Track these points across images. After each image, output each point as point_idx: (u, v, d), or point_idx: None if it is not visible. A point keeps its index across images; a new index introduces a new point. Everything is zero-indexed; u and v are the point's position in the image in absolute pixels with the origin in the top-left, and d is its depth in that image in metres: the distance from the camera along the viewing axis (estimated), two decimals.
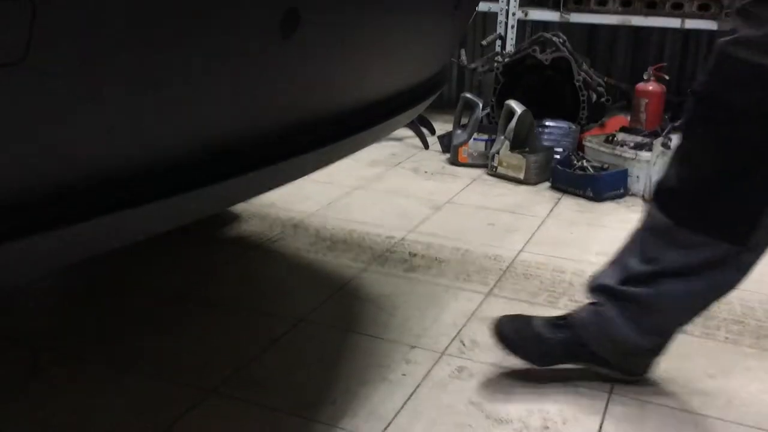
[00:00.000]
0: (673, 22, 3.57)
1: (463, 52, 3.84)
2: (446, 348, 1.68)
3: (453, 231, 2.42)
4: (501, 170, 3.05)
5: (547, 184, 2.97)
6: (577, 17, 3.74)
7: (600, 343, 1.49)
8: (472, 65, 3.76)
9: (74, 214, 0.70)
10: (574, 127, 3.21)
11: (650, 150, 2.85)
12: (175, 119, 0.79)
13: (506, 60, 3.50)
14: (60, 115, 0.65)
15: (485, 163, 3.15)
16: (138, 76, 0.70)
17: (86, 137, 0.69)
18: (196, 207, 0.92)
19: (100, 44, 0.64)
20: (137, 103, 0.72)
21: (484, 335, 1.73)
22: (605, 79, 3.59)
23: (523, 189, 2.93)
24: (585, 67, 3.42)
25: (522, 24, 4.01)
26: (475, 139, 3.21)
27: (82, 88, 0.65)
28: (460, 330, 1.76)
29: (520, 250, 2.28)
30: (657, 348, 1.50)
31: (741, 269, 1.37)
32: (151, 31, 0.68)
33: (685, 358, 1.67)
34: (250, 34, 0.80)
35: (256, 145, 0.96)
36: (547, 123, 3.20)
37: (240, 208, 2.58)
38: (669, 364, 1.64)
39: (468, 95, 3.27)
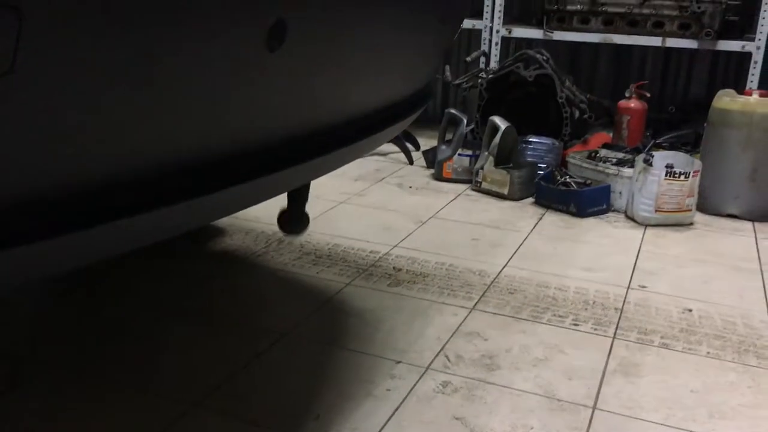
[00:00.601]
0: (654, 41, 3.63)
1: (447, 68, 3.86)
2: (431, 363, 1.67)
3: (437, 246, 2.43)
4: (485, 186, 3.06)
5: (531, 199, 2.99)
6: (560, 35, 3.78)
7: None
8: (457, 81, 3.78)
9: (60, 224, 0.69)
10: (557, 143, 3.24)
11: (632, 166, 2.88)
12: (156, 132, 0.78)
13: (490, 76, 3.53)
14: (47, 125, 0.65)
15: (469, 178, 3.16)
16: (123, 88, 0.70)
17: (73, 147, 0.69)
18: (169, 223, 0.91)
19: (87, 55, 0.64)
20: (123, 114, 0.72)
21: (468, 350, 1.73)
22: (588, 96, 3.62)
23: (507, 204, 2.94)
24: (568, 84, 3.46)
25: (506, 41, 4.05)
26: (459, 154, 3.23)
27: (67, 99, 0.65)
28: (444, 345, 1.76)
29: (505, 265, 2.29)
30: None
31: None
32: (137, 45, 0.68)
33: (668, 372, 1.68)
34: (236, 48, 0.80)
35: (237, 159, 0.96)
36: (530, 139, 3.22)
37: (225, 222, 2.57)
38: (652, 379, 1.65)
39: (452, 111, 3.29)
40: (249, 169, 0.95)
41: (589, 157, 3.10)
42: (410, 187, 3.14)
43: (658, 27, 3.62)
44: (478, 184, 3.09)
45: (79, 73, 0.65)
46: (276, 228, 2.47)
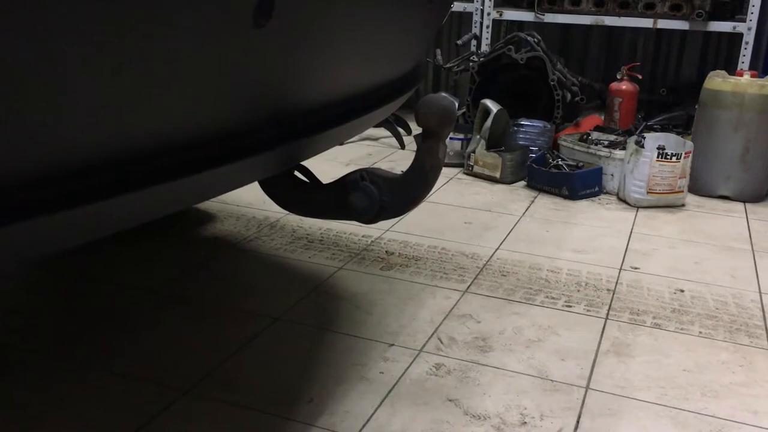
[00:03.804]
0: (646, 22, 3.61)
1: (438, 52, 3.84)
2: (424, 345, 1.67)
3: (430, 230, 2.42)
4: (477, 169, 3.05)
5: (523, 182, 2.99)
6: (551, 17, 3.76)
7: None
8: (448, 65, 3.76)
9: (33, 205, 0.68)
10: (549, 126, 3.23)
11: (624, 148, 2.87)
12: (136, 108, 0.77)
13: (481, 59, 3.51)
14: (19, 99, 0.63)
15: (461, 162, 3.15)
16: (100, 61, 0.68)
17: (43, 120, 0.67)
18: (153, 204, 0.89)
19: (60, 21, 0.62)
20: (99, 88, 0.70)
21: (461, 332, 1.73)
22: (579, 79, 3.61)
23: (499, 188, 2.94)
24: (559, 66, 3.45)
25: (497, 24, 4.03)
26: (451, 138, 3.22)
27: (40, 69, 0.63)
28: (437, 327, 1.76)
29: (497, 248, 2.28)
30: None
31: None
32: (116, 16, 0.67)
33: (661, 352, 1.68)
34: (222, 22, 0.78)
35: (220, 140, 0.94)
36: (522, 122, 3.21)
37: (216, 207, 2.55)
38: (645, 359, 1.65)
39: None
40: (230, 150, 0.93)
41: (581, 139, 3.09)
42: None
43: (649, 8, 3.60)
44: (470, 168, 3.08)
45: (69, 45, 0.63)
46: (267, 213, 2.45)
